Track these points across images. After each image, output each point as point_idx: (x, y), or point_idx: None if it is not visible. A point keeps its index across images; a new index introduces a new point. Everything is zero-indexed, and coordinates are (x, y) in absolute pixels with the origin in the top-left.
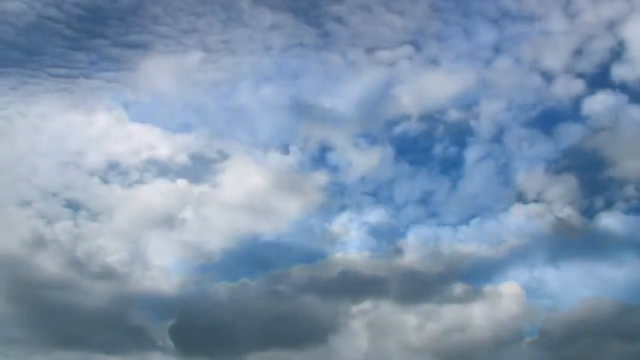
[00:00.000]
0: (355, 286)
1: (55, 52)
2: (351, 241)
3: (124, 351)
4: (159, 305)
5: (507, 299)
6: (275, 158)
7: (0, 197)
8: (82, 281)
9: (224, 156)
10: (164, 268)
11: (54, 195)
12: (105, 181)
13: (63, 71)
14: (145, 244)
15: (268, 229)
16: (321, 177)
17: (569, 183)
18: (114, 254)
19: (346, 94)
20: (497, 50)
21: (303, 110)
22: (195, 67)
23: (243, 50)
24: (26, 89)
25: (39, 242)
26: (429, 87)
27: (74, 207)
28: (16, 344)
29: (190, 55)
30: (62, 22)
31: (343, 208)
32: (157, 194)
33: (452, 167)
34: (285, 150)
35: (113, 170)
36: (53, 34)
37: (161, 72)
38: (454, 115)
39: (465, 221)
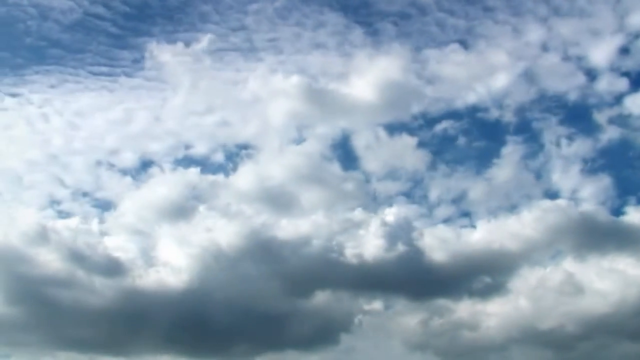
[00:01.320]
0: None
1: (98, 49)
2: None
3: (132, 352)
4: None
5: (532, 292)
6: None
7: (30, 196)
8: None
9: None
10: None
11: (84, 194)
12: (137, 179)
13: (104, 69)
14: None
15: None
16: None
17: (603, 182)
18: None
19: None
20: (544, 47)
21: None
22: (239, 66)
23: (289, 48)
24: (66, 87)
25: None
26: (473, 84)
27: (104, 206)
28: (22, 346)
29: (232, 54)
30: (108, 20)
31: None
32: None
33: (486, 162)
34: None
35: (147, 169)
36: (97, 31)
37: (203, 71)
38: (495, 111)
39: (493, 215)
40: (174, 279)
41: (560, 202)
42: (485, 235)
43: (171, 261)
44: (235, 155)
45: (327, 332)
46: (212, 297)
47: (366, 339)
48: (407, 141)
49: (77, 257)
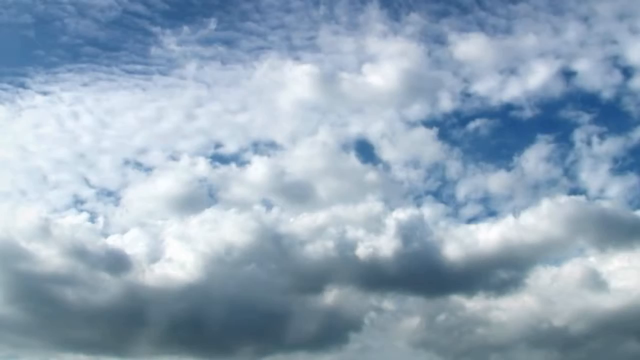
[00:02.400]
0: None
1: (134, 48)
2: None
3: (138, 352)
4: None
5: (556, 285)
6: None
7: (55, 197)
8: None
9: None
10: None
11: (109, 194)
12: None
13: (139, 67)
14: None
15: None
16: None
17: (632, 180)
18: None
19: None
20: (582, 46)
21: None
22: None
23: (328, 47)
24: (98, 85)
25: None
26: (507, 81)
27: (127, 206)
28: (26, 348)
29: (270, 53)
30: (147, 18)
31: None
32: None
33: (514, 158)
34: None
35: (175, 167)
36: (135, 29)
37: (241, 70)
38: (528, 108)
39: (515, 212)
40: (180, 276)
41: (584, 198)
42: (506, 231)
43: (178, 257)
44: (255, 149)
45: (336, 331)
46: (220, 296)
47: (377, 338)
48: (428, 133)
49: (93, 257)
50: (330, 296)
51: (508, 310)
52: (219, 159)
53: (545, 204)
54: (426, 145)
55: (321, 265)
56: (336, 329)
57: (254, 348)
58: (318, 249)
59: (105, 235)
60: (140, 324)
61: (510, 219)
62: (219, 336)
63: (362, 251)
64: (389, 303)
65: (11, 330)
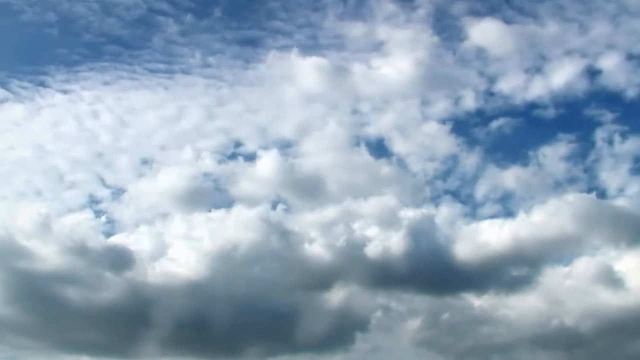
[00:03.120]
0: None
1: (158, 46)
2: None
3: (141, 353)
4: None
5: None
6: None
7: (69, 197)
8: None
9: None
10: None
11: (122, 191)
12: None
13: (161, 66)
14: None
15: None
16: None
17: None
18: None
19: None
20: (609, 45)
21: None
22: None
23: (353, 45)
24: (120, 84)
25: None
26: (532, 80)
27: (136, 204)
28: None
29: (293, 51)
30: (171, 16)
31: None
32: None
33: (536, 158)
34: None
35: (194, 165)
36: (159, 28)
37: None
38: (551, 106)
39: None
40: (185, 274)
41: (601, 197)
42: (520, 229)
43: (184, 255)
44: (270, 145)
45: (343, 330)
46: (225, 294)
47: (384, 337)
48: (442, 128)
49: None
50: (338, 294)
51: (518, 309)
52: (234, 157)
53: (562, 202)
54: (440, 140)
55: (329, 262)
56: (343, 329)
57: (260, 349)
58: (325, 246)
59: (113, 233)
60: (145, 324)
61: (524, 217)
62: (224, 336)
63: (371, 249)
64: (397, 302)
65: (12, 331)
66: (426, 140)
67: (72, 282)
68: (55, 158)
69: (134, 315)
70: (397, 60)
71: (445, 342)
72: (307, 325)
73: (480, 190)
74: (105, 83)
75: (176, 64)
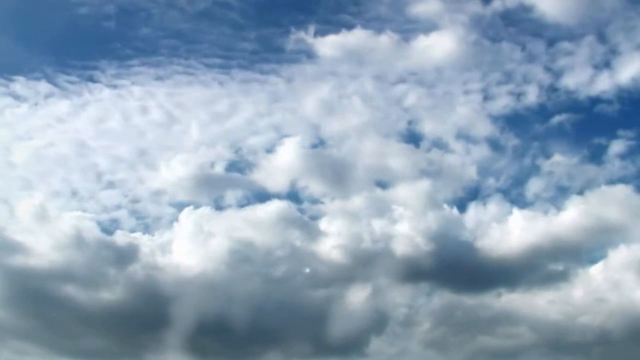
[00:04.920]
0: None
1: (217, 40)
2: None
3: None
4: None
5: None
6: None
7: (105, 197)
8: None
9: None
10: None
11: (158, 193)
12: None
13: (218, 61)
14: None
15: None
16: None
17: None
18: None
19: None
20: None
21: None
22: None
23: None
24: (173, 79)
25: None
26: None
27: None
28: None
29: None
30: (236, 9)
31: None
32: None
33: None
34: None
35: (236, 164)
36: (221, 21)
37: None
38: (615, 103)
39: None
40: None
41: None
42: (560, 224)
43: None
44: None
45: (358, 334)
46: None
47: (402, 338)
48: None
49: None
50: (362, 292)
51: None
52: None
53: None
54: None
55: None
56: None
57: (278, 353)
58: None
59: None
60: (153, 328)
61: (564, 213)
62: (238, 339)
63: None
64: (426, 297)
65: (12, 334)
66: (458, 121)
67: (102, 285)
68: (96, 156)
69: (149, 317)
70: None
71: (466, 341)
72: (323, 330)
73: (520, 184)
74: (158, 78)
75: (234, 59)
